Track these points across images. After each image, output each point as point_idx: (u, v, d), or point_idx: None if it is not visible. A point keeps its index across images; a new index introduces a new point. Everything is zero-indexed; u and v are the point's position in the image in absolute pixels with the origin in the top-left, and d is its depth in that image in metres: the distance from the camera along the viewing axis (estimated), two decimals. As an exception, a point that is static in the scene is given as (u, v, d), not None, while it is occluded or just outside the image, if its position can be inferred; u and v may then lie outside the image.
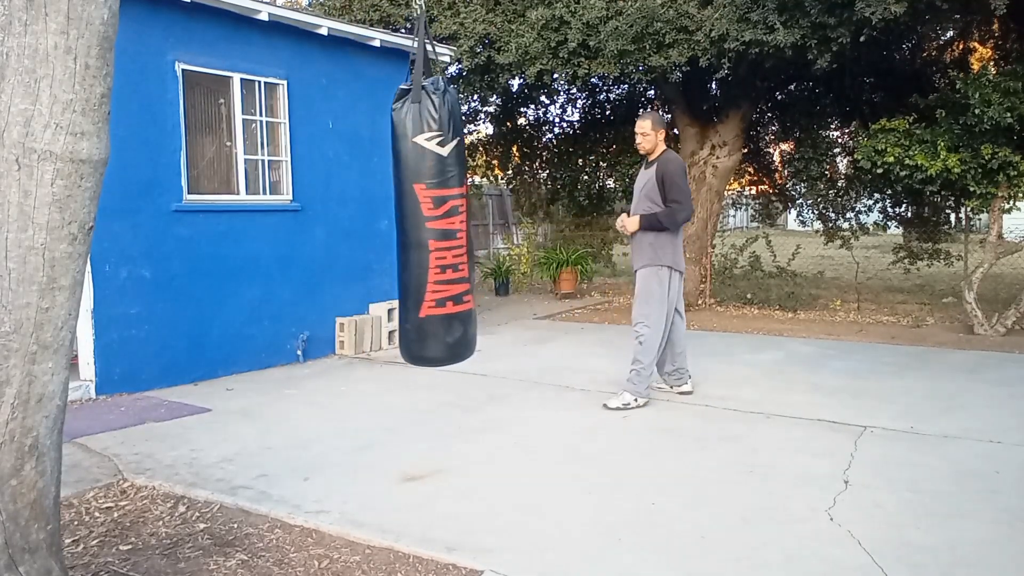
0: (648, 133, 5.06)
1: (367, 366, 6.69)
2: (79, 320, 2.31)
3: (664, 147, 5.08)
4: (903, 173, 7.82)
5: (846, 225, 11.11)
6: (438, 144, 2.76)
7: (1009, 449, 4.12)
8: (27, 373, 2.09)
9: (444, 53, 8.16)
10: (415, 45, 2.92)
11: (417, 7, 3.03)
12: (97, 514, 3.42)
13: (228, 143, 6.49)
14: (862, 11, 6.82)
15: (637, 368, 5.03)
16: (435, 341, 2.97)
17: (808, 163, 10.61)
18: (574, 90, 12.50)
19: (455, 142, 2.99)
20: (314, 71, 6.91)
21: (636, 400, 5.00)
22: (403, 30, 9.28)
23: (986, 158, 7.34)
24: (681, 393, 5.36)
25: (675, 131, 11.47)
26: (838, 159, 11.69)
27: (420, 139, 2.70)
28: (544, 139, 13.68)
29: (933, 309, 9.45)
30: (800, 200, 11.80)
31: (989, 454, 4.04)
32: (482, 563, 2.86)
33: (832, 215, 11.36)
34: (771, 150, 12.63)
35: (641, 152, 5.18)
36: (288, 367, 6.62)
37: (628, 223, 5.04)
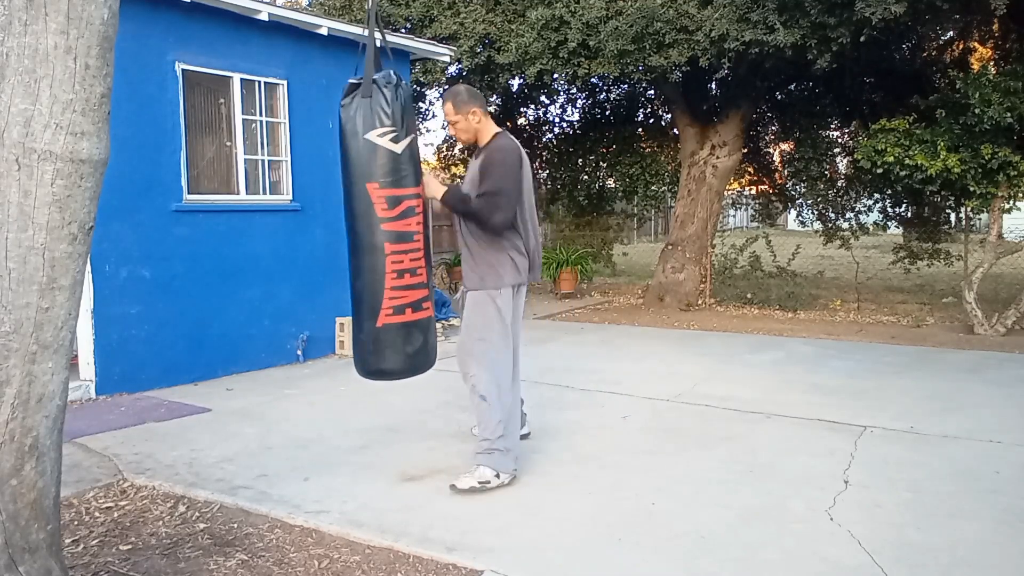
0: (455, 119, 3.70)
1: (367, 366, 6.68)
2: (79, 320, 2.31)
3: (495, 130, 3.74)
4: (903, 173, 7.82)
5: (846, 225, 11.12)
6: (391, 140, 2.60)
7: (1009, 449, 4.12)
8: (27, 373, 2.09)
9: (444, 53, 8.16)
10: (365, 34, 2.78)
11: None
12: (97, 514, 3.42)
13: (228, 143, 6.49)
14: (862, 11, 6.83)
15: (488, 437, 3.63)
16: (393, 352, 2.74)
17: (808, 163, 10.61)
18: (574, 90, 12.51)
19: (409, 139, 2.84)
20: (314, 71, 6.91)
21: (499, 476, 3.61)
22: (403, 30, 9.29)
23: (986, 158, 7.34)
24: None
25: (675, 131, 11.47)
26: (838, 159, 11.70)
27: (372, 135, 2.54)
28: (544, 139, 13.70)
29: (933, 309, 9.46)
30: (800, 200, 11.81)
31: (989, 454, 4.04)
32: (482, 563, 2.86)
33: (832, 215, 11.37)
34: (771, 150, 12.64)
35: (463, 144, 4.16)
36: (288, 367, 6.62)
37: (428, 182, 3.48)
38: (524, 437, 4.17)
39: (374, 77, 2.62)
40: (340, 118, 2.59)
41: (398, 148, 2.69)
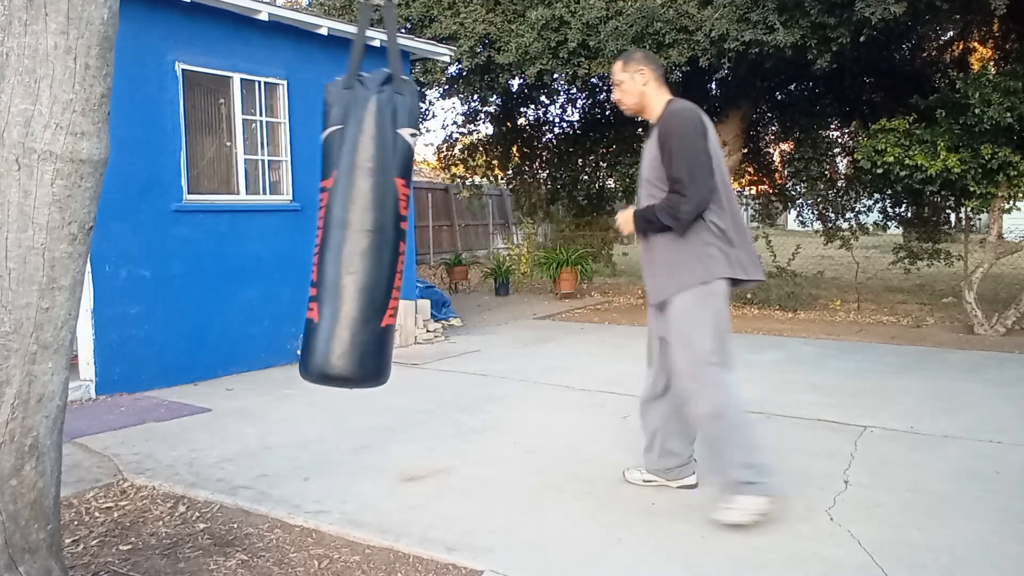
0: (620, 78, 3.28)
1: (367, 366, 6.68)
2: (79, 320, 2.31)
3: (668, 98, 3.26)
4: (903, 173, 7.82)
5: (846, 225, 11.12)
6: (412, 137, 2.62)
7: (1009, 449, 4.12)
8: (27, 373, 2.09)
9: (444, 53, 8.15)
10: (388, 37, 2.76)
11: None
12: (97, 514, 3.42)
13: (228, 143, 6.49)
14: (862, 11, 6.83)
15: (730, 459, 3.13)
16: (390, 354, 2.57)
17: (808, 163, 10.61)
18: (574, 90, 12.51)
19: (415, 138, 2.87)
20: (314, 71, 6.91)
21: (761, 502, 3.09)
22: (403, 30, 9.29)
23: (986, 158, 7.34)
24: (684, 487, 3.57)
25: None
26: (838, 159, 11.70)
27: (404, 132, 2.55)
28: (544, 139, 13.70)
29: (933, 309, 9.46)
30: (800, 200, 11.80)
31: (989, 454, 4.04)
32: (482, 563, 2.86)
33: (832, 215, 11.37)
34: (771, 150, 12.65)
35: (628, 114, 3.44)
36: (288, 367, 6.62)
37: (621, 219, 3.40)
38: (690, 487, 3.56)
39: (403, 76, 2.61)
40: (368, 104, 2.45)
41: (415, 145, 2.68)
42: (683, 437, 3.49)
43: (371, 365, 2.47)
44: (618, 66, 3.29)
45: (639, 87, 3.25)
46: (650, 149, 3.25)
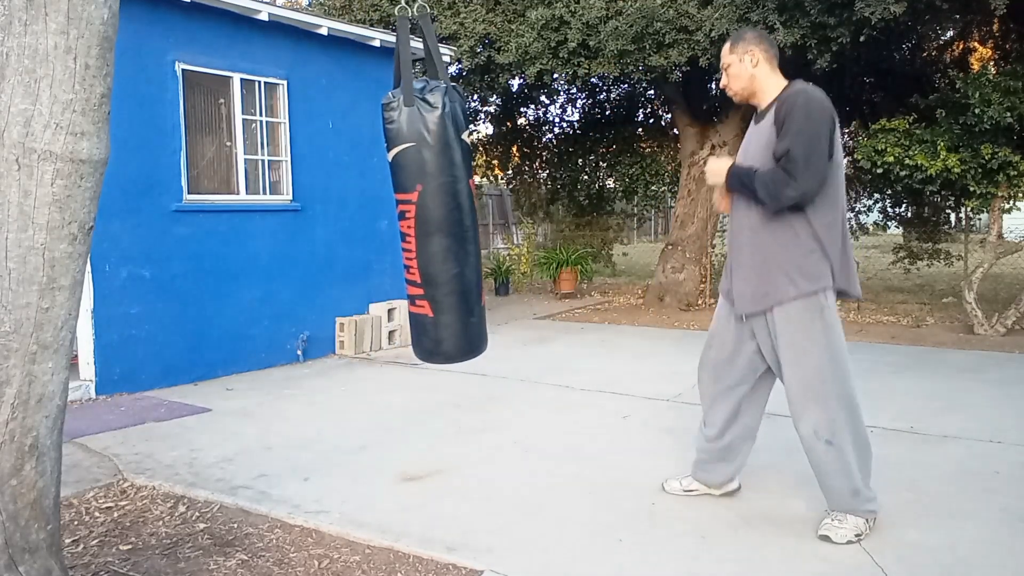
0: (728, 60, 3.04)
1: (367, 366, 6.68)
2: (79, 320, 2.31)
3: (782, 81, 3.03)
4: (903, 173, 7.82)
5: (846, 225, 11.12)
6: (469, 136, 2.89)
7: (1009, 449, 4.12)
8: (27, 373, 2.09)
9: (444, 53, 8.16)
10: (425, 45, 2.88)
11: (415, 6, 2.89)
12: (97, 514, 3.42)
13: (228, 143, 6.49)
14: (862, 11, 6.83)
15: (842, 483, 2.96)
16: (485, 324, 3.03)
17: (808, 163, 10.59)
18: (574, 90, 12.52)
19: (472, 135, 3.08)
20: (314, 71, 6.91)
21: (868, 522, 3.01)
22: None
23: (986, 158, 7.34)
24: (725, 494, 3.48)
25: (675, 131, 11.46)
26: (838, 159, 11.67)
27: (465, 137, 2.78)
28: (544, 139, 13.71)
29: (933, 309, 9.45)
30: (800, 200, 11.80)
31: (989, 454, 4.04)
32: (482, 563, 2.86)
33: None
34: (771, 150, 12.64)
35: (737, 100, 3.13)
36: (288, 367, 6.62)
37: (713, 168, 3.09)
38: (732, 492, 3.47)
39: (451, 84, 2.76)
40: (439, 119, 2.64)
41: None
42: (748, 445, 3.35)
43: (485, 336, 2.97)
44: (726, 49, 3.05)
45: (749, 70, 3.00)
46: (760, 134, 2.95)
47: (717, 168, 3.05)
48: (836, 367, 2.89)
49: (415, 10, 2.80)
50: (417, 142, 2.67)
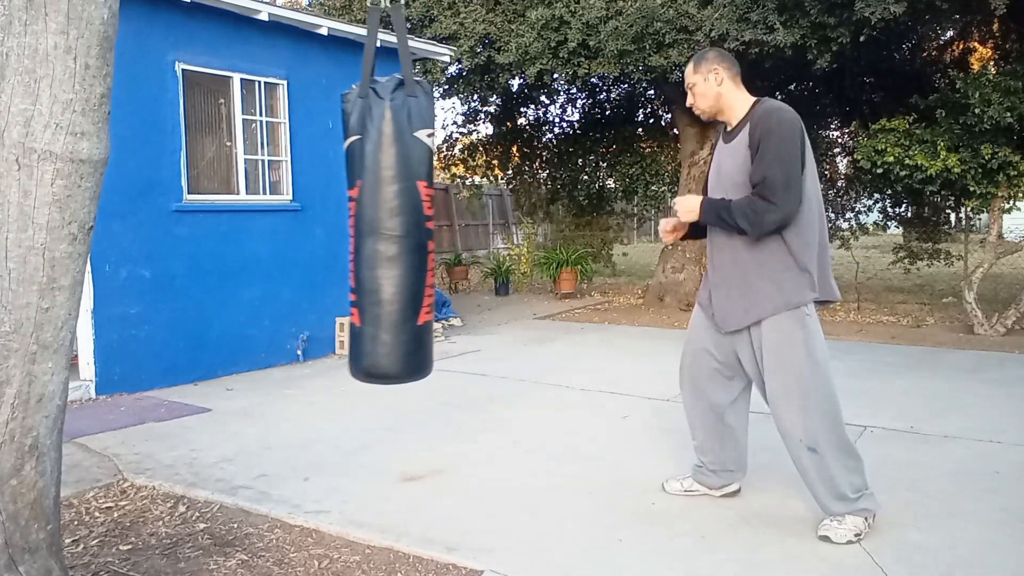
0: (693, 80, 3.08)
1: (367, 366, 6.68)
2: (79, 320, 2.31)
3: (749, 97, 3.07)
4: (903, 173, 7.83)
5: (846, 225, 11.13)
6: (429, 138, 2.69)
7: (1009, 449, 4.12)
8: (27, 373, 2.09)
9: (444, 53, 8.16)
10: (397, 39, 2.79)
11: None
12: (97, 514, 3.42)
13: (228, 143, 6.49)
14: (862, 11, 6.83)
15: (835, 487, 2.97)
16: (430, 349, 2.71)
17: (808, 163, 10.59)
18: (574, 90, 12.52)
19: (432, 138, 2.93)
20: (314, 71, 6.91)
21: (867, 520, 3.02)
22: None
23: (986, 158, 7.34)
24: (726, 495, 3.48)
25: (675, 131, 11.46)
26: (838, 159, 11.71)
27: (421, 134, 2.61)
28: (544, 139, 13.71)
29: (933, 309, 9.46)
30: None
31: (989, 454, 4.04)
32: (482, 563, 2.86)
33: (832, 215, 11.37)
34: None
35: (705, 119, 3.19)
36: (288, 367, 6.62)
37: (683, 205, 3.07)
38: (732, 494, 3.48)
39: (415, 79, 2.64)
40: (383, 112, 2.49)
41: (433, 147, 2.75)
42: (742, 446, 3.38)
43: (413, 362, 2.61)
44: (689, 69, 3.10)
45: (714, 88, 3.05)
46: (735, 154, 2.98)
47: (689, 205, 3.05)
48: (818, 376, 2.95)
49: (387, 1, 2.74)
50: (361, 135, 2.53)
